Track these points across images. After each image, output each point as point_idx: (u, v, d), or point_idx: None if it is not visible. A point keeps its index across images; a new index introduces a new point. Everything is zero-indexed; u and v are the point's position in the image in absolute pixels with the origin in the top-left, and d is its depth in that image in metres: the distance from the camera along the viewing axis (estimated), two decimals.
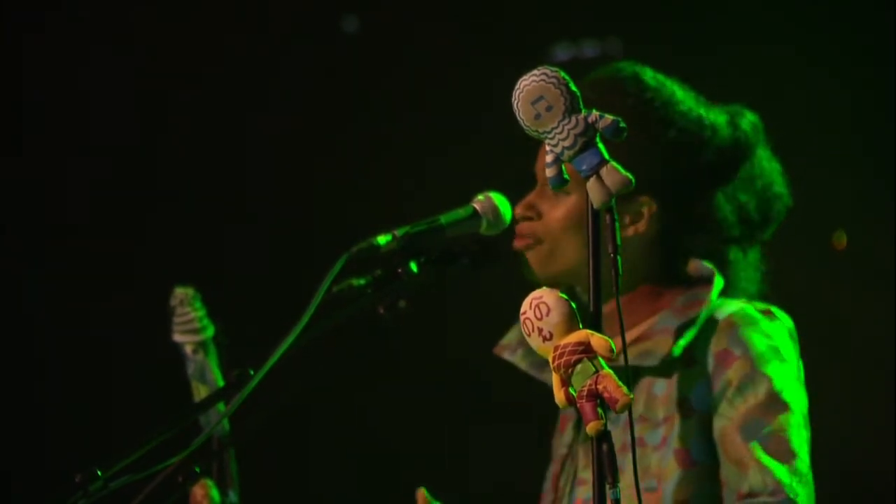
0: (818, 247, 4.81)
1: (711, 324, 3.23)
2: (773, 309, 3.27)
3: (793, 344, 3.24)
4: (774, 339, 3.20)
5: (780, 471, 3.07)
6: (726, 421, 3.14)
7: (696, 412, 3.18)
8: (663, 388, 3.20)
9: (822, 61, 4.84)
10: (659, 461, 3.17)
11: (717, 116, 3.34)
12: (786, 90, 4.83)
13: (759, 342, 3.18)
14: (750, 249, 3.39)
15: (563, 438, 3.40)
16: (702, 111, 3.33)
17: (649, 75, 3.34)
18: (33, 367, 5.33)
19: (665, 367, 3.21)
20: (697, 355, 3.21)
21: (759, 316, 3.23)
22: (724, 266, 3.35)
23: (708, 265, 3.32)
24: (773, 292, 3.40)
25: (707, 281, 3.30)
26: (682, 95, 3.34)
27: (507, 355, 3.43)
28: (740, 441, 3.11)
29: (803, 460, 3.10)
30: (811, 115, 4.79)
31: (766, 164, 3.39)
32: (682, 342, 3.20)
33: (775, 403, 3.13)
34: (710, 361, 3.19)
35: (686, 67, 3.44)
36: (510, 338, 3.44)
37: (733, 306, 3.25)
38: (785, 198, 3.39)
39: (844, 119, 4.82)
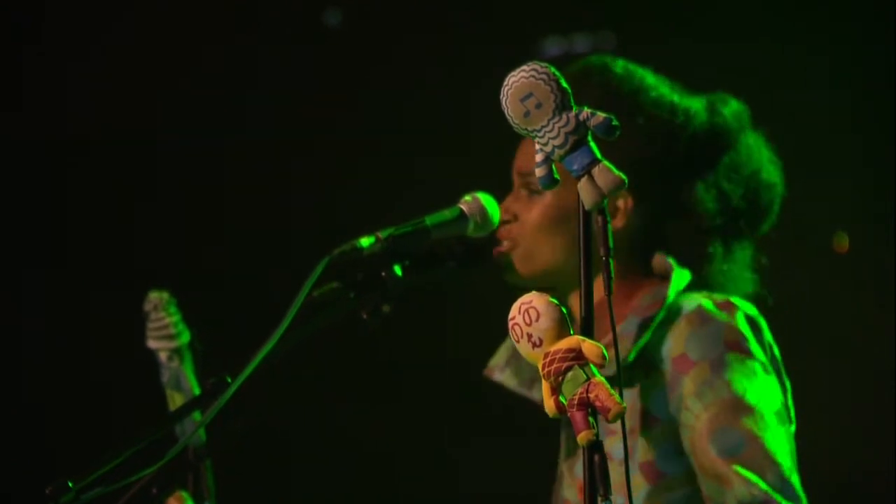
0: (818, 248, 4.79)
1: (668, 324, 3.14)
2: (733, 299, 3.16)
3: (753, 334, 3.13)
4: (732, 335, 3.10)
5: (762, 483, 2.98)
6: (692, 432, 3.05)
7: (659, 421, 3.10)
8: (628, 398, 3.10)
9: (820, 59, 4.81)
10: (623, 476, 3.09)
11: (692, 103, 3.26)
12: (783, 89, 4.80)
13: (715, 344, 3.09)
14: (737, 244, 3.28)
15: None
16: (675, 98, 3.25)
17: (619, 65, 3.26)
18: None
19: (626, 375, 3.12)
20: (655, 360, 3.12)
21: (715, 311, 3.13)
22: (701, 260, 3.24)
23: (669, 260, 3.22)
24: (774, 293, 3.33)
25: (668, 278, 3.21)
26: (653, 82, 3.26)
27: (496, 376, 3.36)
28: (714, 456, 3.02)
29: (783, 464, 3.01)
30: (810, 115, 4.76)
31: (755, 151, 3.29)
32: (635, 350, 3.12)
33: (739, 409, 3.03)
34: (668, 368, 3.10)
35: (680, 64, 3.40)
36: (498, 358, 3.38)
37: (691, 304, 3.14)
38: (776, 186, 3.29)
39: (844, 119, 4.79)
